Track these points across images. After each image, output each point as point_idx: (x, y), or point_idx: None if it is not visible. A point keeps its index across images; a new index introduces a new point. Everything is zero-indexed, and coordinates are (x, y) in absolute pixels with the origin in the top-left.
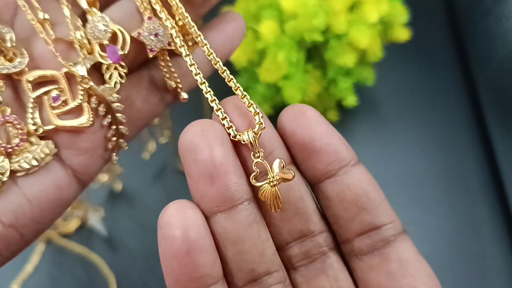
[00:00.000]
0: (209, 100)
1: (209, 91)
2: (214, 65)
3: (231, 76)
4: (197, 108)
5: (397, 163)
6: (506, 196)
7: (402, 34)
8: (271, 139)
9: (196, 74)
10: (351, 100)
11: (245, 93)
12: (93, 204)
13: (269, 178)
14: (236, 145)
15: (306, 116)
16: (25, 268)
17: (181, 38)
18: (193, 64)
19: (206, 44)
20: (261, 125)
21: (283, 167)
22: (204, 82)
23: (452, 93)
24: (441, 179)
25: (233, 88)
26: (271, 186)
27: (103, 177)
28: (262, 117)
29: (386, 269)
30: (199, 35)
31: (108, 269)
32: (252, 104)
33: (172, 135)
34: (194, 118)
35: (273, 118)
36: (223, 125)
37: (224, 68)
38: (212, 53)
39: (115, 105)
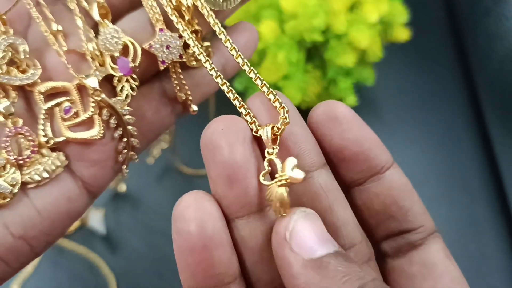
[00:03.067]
0: (231, 99)
1: (231, 90)
2: (237, 62)
3: (258, 75)
4: (202, 110)
5: (397, 163)
6: (506, 196)
7: (402, 34)
8: (299, 138)
9: (216, 77)
10: (351, 100)
11: (271, 89)
12: (94, 204)
13: (276, 177)
14: (261, 142)
15: (338, 120)
16: (25, 268)
17: (199, 46)
18: (213, 68)
19: (228, 39)
20: (284, 120)
21: (294, 168)
22: (224, 83)
23: (452, 93)
24: (441, 179)
25: (259, 86)
26: (278, 186)
27: None
28: (287, 111)
29: (408, 271)
30: (222, 31)
31: (108, 269)
32: (277, 99)
33: (174, 137)
34: (198, 121)
35: None
36: (247, 120)
37: (252, 68)
38: (235, 49)
39: (126, 117)
